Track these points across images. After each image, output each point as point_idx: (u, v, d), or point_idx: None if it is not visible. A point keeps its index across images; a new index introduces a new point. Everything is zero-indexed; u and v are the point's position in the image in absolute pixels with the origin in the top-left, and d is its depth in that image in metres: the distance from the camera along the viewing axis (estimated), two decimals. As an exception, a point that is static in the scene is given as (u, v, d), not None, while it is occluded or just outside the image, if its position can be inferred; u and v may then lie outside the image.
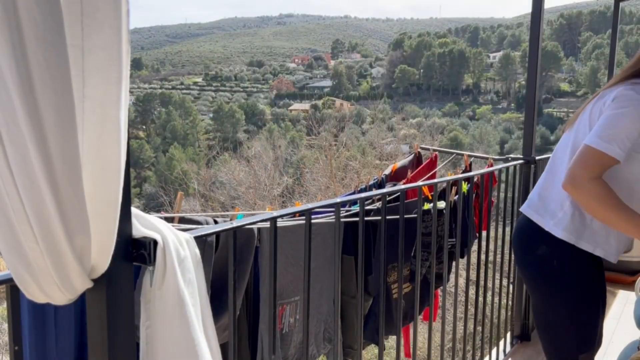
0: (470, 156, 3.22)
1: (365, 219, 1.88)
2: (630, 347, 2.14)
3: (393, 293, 2.33)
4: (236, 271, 1.35)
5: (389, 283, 2.30)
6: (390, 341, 2.27)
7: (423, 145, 3.58)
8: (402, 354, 2.12)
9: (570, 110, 64.42)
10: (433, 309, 2.34)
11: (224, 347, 1.43)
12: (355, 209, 2.10)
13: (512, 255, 2.38)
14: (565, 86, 71.63)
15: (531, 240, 1.75)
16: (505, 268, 2.94)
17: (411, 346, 2.25)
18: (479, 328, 2.76)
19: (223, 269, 1.53)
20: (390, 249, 2.09)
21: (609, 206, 1.46)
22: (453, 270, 2.61)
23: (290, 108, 72.72)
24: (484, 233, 2.64)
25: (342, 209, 1.81)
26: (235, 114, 62.52)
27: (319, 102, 68.12)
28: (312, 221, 1.62)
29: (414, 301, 2.23)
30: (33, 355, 1.33)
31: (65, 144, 0.72)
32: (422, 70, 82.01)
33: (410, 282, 2.41)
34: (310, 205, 1.59)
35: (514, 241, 1.84)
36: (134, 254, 0.97)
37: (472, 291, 5.46)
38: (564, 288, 1.68)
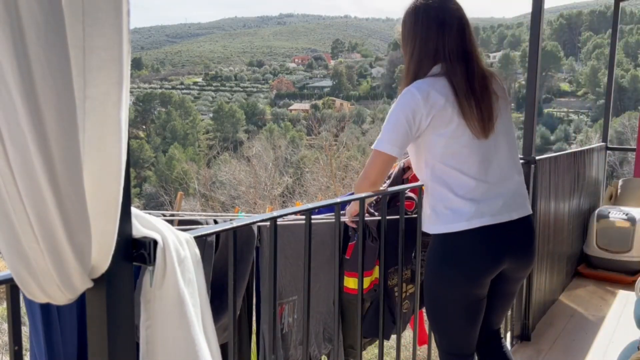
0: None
1: (366, 219, 1.88)
2: (630, 347, 2.14)
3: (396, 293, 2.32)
4: (236, 271, 1.35)
5: (390, 286, 2.29)
6: (391, 341, 2.27)
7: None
8: (402, 354, 2.12)
9: (571, 110, 64.32)
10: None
11: (224, 347, 1.43)
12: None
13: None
14: (565, 86, 71.41)
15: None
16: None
17: (413, 343, 2.25)
18: (479, 328, 2.75)
19: (223, 269, 1.53)
20: (392, 250, 2.08)
21: None
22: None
23: (290, 108, 72.66)
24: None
25: (342, 210, 1.81)
26: (235, 114, 62.47)
27: (319, 102, 68.03)
28: (312, 221, 1.62)
29: (414, 302, 2.23)
30: (45, 350, 1.34)
31: (66, 144, 0.72)
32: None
33: (412, 283, 2.41)
34: (310, 205, 1.59)
35: (532, 238, 1.78)
36: (134, 254, 0.97)
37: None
38: None
